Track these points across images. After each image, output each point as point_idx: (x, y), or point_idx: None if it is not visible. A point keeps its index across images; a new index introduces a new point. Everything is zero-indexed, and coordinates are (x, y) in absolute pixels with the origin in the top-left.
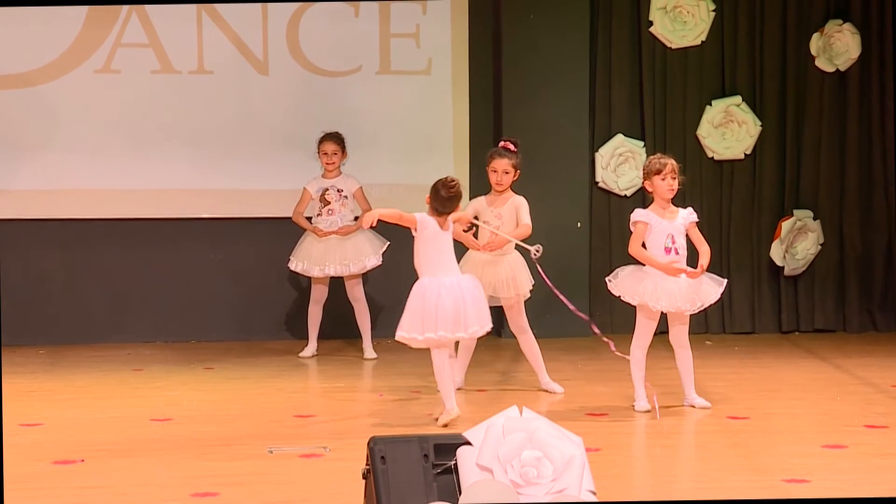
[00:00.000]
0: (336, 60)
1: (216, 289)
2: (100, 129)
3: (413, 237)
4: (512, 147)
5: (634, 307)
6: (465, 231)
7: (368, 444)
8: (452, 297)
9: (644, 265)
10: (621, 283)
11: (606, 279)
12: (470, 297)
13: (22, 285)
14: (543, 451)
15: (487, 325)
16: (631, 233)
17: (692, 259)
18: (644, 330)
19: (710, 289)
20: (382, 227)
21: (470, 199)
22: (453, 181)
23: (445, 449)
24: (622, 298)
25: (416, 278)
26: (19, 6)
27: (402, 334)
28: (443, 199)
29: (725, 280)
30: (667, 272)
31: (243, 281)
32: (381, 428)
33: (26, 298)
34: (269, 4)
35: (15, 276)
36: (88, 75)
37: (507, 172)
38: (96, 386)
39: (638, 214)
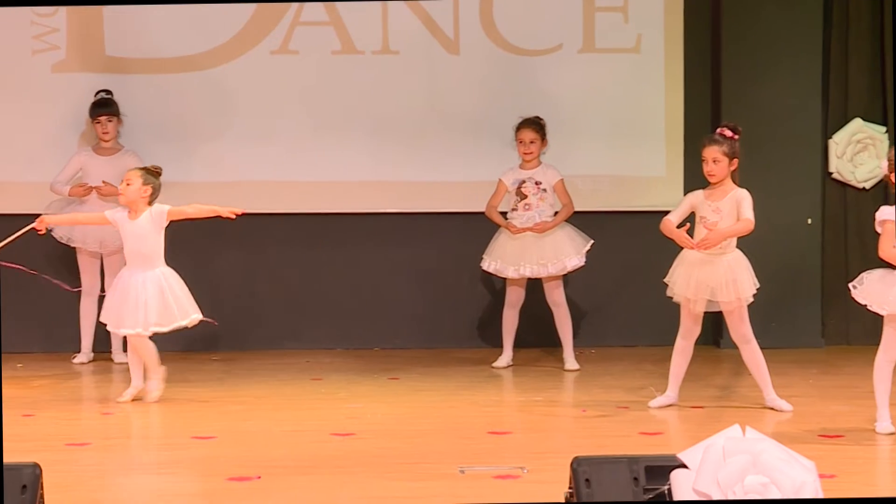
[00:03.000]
0: (534, 38)
1: (401, 291)
2: (276, 115)
3: None
4: (728, 133)
5: (881, 316)
6: (678, 228)
7: (571, 464)
8: None
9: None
10: (868, 289)
11: (850, 285)
12: None
13: (193, 286)
14: (770, 476)
15: None
16: (877, 233)
17: None
18: (893, 342)
19: None
20: (585, 224)
21: (685, 193)
22: None
23: (658, 471)
24: (869, 307)
25: (622, 279)
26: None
27: None
28: None
29: None
30: None
31: (431, 282)
32: (584, 447)
33: (198, 300)
34: None
35: (185, 276)
36: (264, 57)
37: (717, 161)
38: (273, 397)
39: (887, 212)
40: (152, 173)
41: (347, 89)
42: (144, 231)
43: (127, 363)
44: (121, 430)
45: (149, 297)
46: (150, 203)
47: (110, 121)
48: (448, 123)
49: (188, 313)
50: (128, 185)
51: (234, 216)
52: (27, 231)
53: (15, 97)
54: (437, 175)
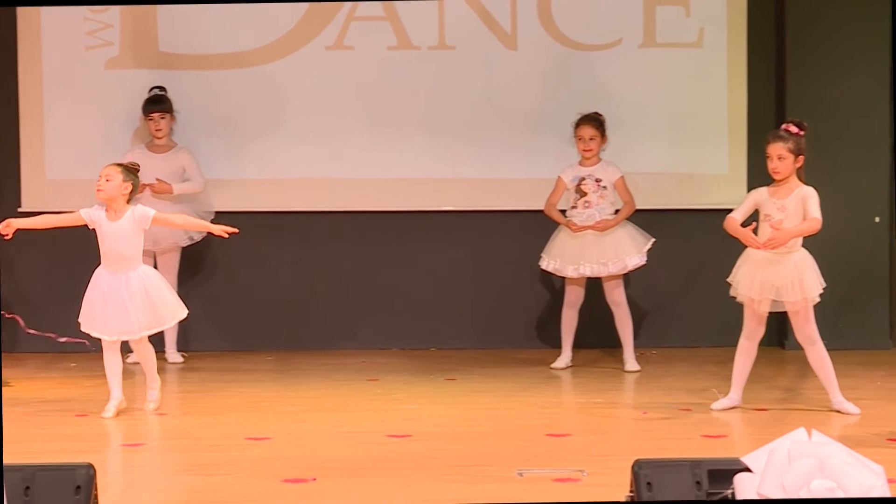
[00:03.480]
0: (593, 32)
1: (459, 291)
2: (330, 112)
3: None
4: (794, 129)
5: None
6: (742, 226)
7: (632, 468)
8: None
9: None
10: None
11: None
12: None
13: (248, 284)
14: (837, 480)
15: None
16: None
17: None
18: None
19: None
20: (646, 223)
21: (748, 190)
22: None
23: (721, 475)
24: None
25: (683, 278)
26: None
27: None
28: None
29: None
30: None
31: (489, 282)
32: (645, 450)
33: (252, 299)
34: None
35: (241, 274)
36: (319, 53)
37: (782, 158)
38: (328, 397)
39: None
40: (131, 171)
41: (403, 85)
42: (126, 232)
43: (180, 363)
44: (175, 430)
45: (135, 299)
46: (129, 201)
47: (163, 118)
48: (505, 120)
49: (176, 312)
50: (107, 181)
51: (226, 235)
52: None
53: (68, 94)
54: (494, 172)
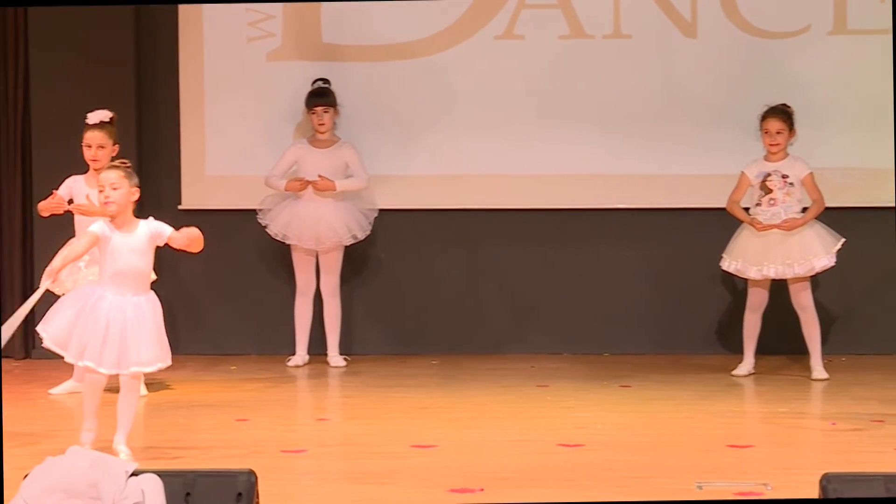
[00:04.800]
0: (779, 19)
1: (633, 293)
2: (499, 104)
3: None
4: None
5: None
6: None
7: (820, 482)
8: None
9: None
10: None
11: None
12: None
13: (412, 285)
14: None
15: None
16: None
17: None
18: None
19: None
20: (835, 222)
21: None
22: None
23: None
24: None
25: (876, 281)
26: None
27: None
28: None
29: None
30: None
31: (666, 283)
32: (834, 463)
33: (417, 300)
34: None
35: (406, 274)
36: (487, 42)
37: None
38: (496, 404)
39: None
40: (132, 173)
41: (576, 76)
42: (144, 246)
43: (342, 367)
44: (337, 436)
45: (147, 326)
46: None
47: (327, 112)
48: (684, 112)
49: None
50: (114, 189)
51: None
52: (41, 294)
53: (229, 87)
54: (672, 168)
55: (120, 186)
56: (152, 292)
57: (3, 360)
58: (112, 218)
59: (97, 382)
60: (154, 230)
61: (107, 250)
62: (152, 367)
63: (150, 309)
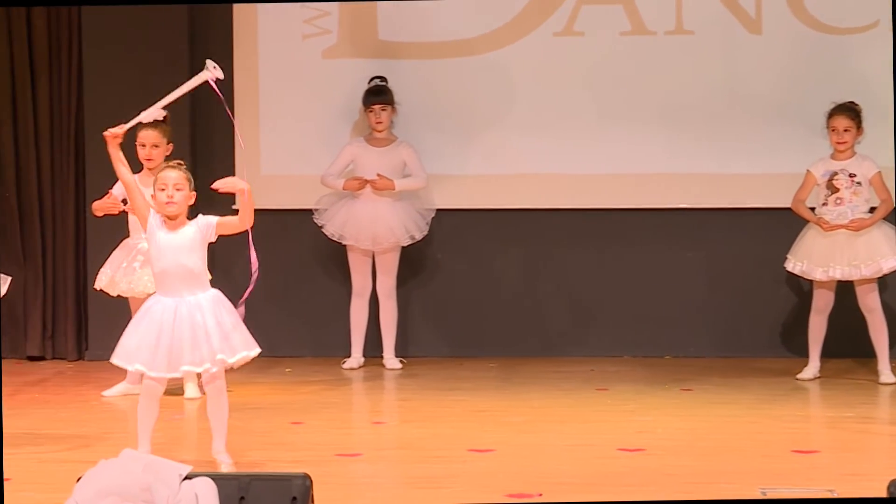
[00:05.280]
0: (846, 14)
1: (695, 294)
2: (558, 102)
3: None
4: None
5: None
6: None
7: (888, 488)
8: None
9: None
10: None
11: None
12: None
13: (470, 286)
14: None
15: None
16: None
17: None
18: None
19: None
20: None
21: None
22: None
23: None
24: None
25: None
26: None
27: None
28: None
29: None
30: None
31: (728, 285)
32: None
33: (475, 302)
34: None
35: (463, 275)
36: (546, 39)
37: None
38: (555, 408)
39: None
40: (191, 177)
41: (637, 73)
42: (194, 243)
43: (398, 369)
44: (393, 440)
45: (207, 326)
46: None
47: (384, 110)
48: (748, 110)
49: (250, 344)
50: (178, 189)
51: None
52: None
53: (284, 86)
54: (735, 166)
55: (183, 188)
56: (213, 290)
57: (56, 362)
58: (170, 218)
59: (152, 392)
60: (202, 224)
61: (151, 247)
62: (201, 367)
63: (208, 307)
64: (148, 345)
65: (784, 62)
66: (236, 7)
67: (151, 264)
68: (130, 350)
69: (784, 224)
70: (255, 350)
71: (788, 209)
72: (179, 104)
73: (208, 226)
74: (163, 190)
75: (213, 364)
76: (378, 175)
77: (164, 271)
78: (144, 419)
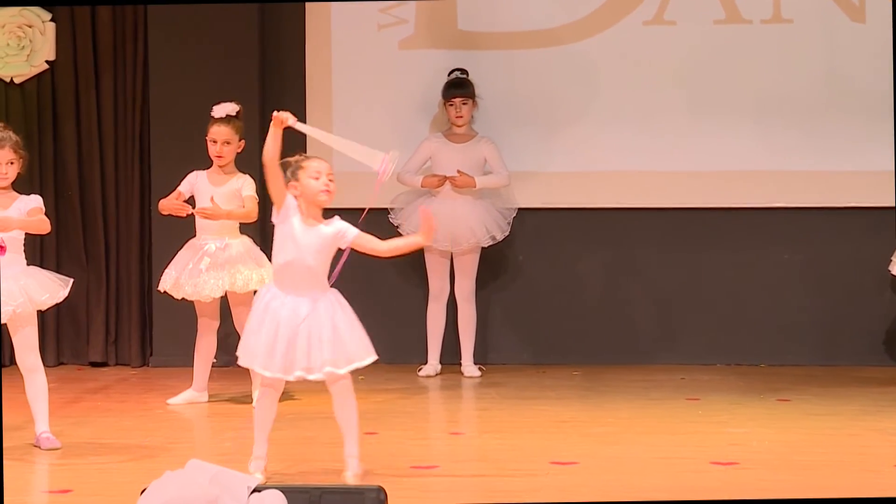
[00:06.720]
0: None
1: (793, 299)
2: (647, 95)
3: None
4: None
5: None
6: None
7: None
8: None
9: None
10: None
11: None
12: None
13: (552, 290)
14: None
15: None
16: None
17: None
18: None
19: None
20: None
21: None
22: None
23: None
24: None
25: None
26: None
27: None
28: None
29: None
30: None
31: (829, 288)
32: None
33: (558, 306)
34: None
35: (545, 278)
36: (636, 29)
37: None
38: (642, 418)
39: None
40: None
41: (731, 64)
42: (326, 245)
43: (477, 377)
44: (471, 452)
45: (324, 330)
46: None
47: (465, 103)
48: (851, 103)
49: (366, 351)
50: (331, 180)
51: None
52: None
53: (359, 77)
54: (837, 164)
55: (322, 177)
56: (334, 291)
57: (119, 368)
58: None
59: (270, 392)
60: (340, 231)
61: (280, 234)
62: (311, 376)
63: (325, 312)
64: (266, 343)
65: (889, 52)
66: None
67: (274, 253)
68: (251, 350)
69: (888, 224)
70: (369, 358)
71: (893, 208)
72: (249, 98)
73: (344, 237)
74: (317, 178)
75: (324, 375)
76: (458, 172)
77: (288, 264)
78: (261, 421)
